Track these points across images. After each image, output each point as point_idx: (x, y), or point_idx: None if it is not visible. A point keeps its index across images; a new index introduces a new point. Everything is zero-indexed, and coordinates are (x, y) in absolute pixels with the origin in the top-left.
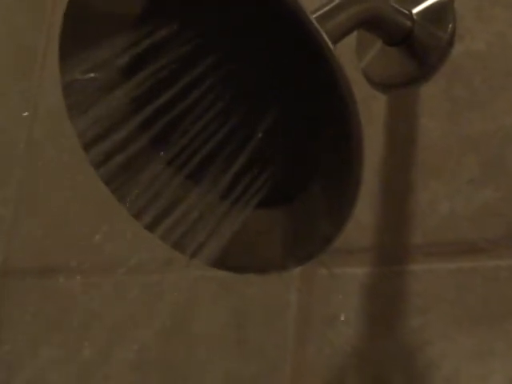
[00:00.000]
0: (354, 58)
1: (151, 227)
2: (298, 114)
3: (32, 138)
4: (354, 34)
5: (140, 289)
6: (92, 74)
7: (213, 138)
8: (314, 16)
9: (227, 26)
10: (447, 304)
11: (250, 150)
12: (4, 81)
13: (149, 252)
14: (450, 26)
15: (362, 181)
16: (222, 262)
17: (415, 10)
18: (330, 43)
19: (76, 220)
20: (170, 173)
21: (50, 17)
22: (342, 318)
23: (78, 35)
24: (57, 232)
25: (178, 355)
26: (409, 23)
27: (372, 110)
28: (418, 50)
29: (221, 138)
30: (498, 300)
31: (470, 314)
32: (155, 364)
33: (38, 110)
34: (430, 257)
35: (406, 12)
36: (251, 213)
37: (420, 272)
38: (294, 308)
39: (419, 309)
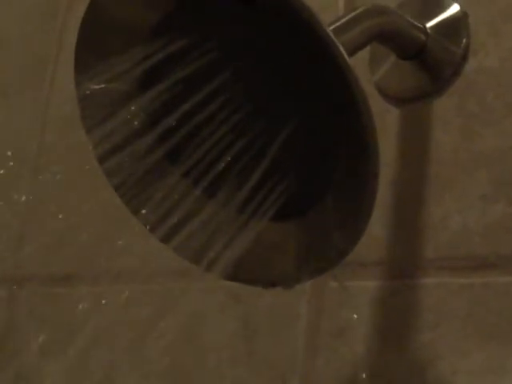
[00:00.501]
0: (367, 72)
1: (166, 239)
2: (313, 128)
3: (43, 144)
4: (368, 47)
5: (150, 299)
6: (108, 86)
7: (229, 150)
8: (329, 29)
9: (243, 38)
10: (459, 319)
11: (266, 163)
12: (16, 87)
13: (160, 262)
14: (464, 40)
15: (376, 195)
16: (235, 275)
17: (429, 25)
18: (347, 57)
19: (87, 229)
20: (186, 186)
21: (61, 25)
22: (352, 331)
23: (93, 47)
24: (68, 240)
25: (187, 366)
26: (423, 37)
27: (385, 124)
28: (432, 65)
29: (237, 151)
30: (509, 315)
31: (482, 329)
32: (164, 374)
33: (49, 116)
34: (441, 271)
35: (420, 26)
36: (265, 226)
37: (431, 286)
38: (303, 320)
39: (430, 323)
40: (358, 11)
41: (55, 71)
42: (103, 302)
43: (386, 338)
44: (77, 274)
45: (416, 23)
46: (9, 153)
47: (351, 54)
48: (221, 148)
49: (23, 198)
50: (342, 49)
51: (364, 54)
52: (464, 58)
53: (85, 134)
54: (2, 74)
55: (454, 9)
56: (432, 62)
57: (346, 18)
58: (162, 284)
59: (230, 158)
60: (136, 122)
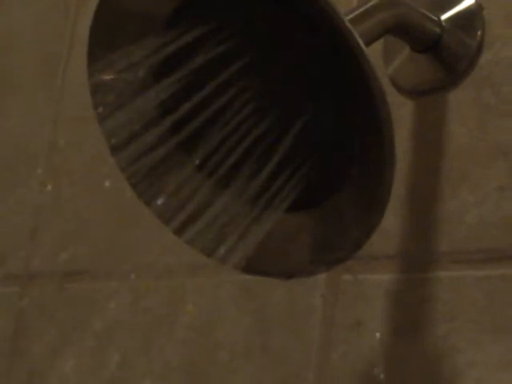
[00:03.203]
0: (380, 64)
1: (179, 232)
2: (329, 118)
3: (55, 142)
4: (381, 39)
5: (164, 294)
6: (121, 76)
7: (243, 141)
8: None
9: (259, 27)
10: (474, 311)
11: (281, 153)
12: (27, 86)
13: (173, 257)
14: (479, 32)
15: (392, 185)
16: (250, 267)
17: (444, 17)
18: (364, 46)
19: (99, 224)
20: (200, 177)
21: (72, 24)
22: (367, 325)
23: (107, 36)
24: (80, 237)
25: (201, 360)
26: (437, 30)
27: (400, 117)
28: (447, 57)
29: (251, 141)
30: None
31: (498, 321)
32: (178, 369)
33: (61, 114)
34: (457, 264)
35: (435, 18)
36: (280, 217)
37: (447, 279)
38: (318, 314)
39: (446, 316)
40: (372, 3)
41: (66, 70)
42: (116, 297)
43: (401, 331)
44: (89, 270)
45: (431, 15)
46: (21, 149)
47: (366, 45)
48: (235, 138)
49: (35, 195)
50: (359, 39)
51: (377, 46)
52: (479, 50)
53: (96, 131)
54: (14, 72)
55: (469, 1)
56: (447, 55)
57: (361, 10)
58: (175, 279)
59: (244, 149)
60: (149, 112)
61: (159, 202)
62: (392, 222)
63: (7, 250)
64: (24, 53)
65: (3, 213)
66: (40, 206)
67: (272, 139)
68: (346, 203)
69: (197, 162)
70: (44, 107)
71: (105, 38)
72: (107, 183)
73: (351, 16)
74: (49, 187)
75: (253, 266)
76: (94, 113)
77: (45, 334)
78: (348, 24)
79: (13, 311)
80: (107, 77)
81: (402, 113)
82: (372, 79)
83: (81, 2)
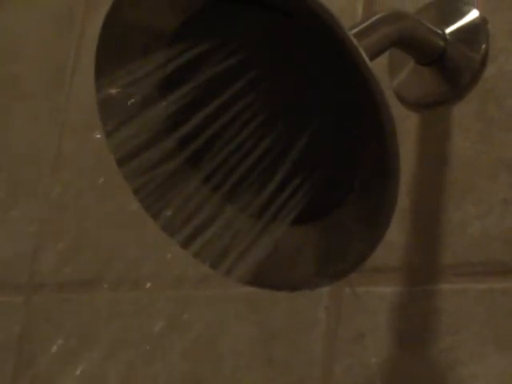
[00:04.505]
0: (385, 77)
1: (185, 244)
2: (334, 132)
3: (60, 152)
4: (386, 52)
5: (168, 305)
6: (128, 90)
7: (250, 155)
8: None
9: (265, 41)
10: (478, 324)
11: (287, 167)
12: (33, 95)
13: (178, 269)
14: (483, 46)
15: (397, 199)
16: (255, 280)
17: (448, 30)
18: (368, 61)
19: (105, 235)
20: (206, 190)
21: (79, 32)
22: (370, 337)
23: (114, 51)
24: (85, 247)
25: (205, 372)
26: (442, 43)
27: (404, 130)
28: (451, 70)
29: (258, 155)
30: None
31: (501, 334)
32: (183, 380)
33: (67, 123)
34: (460, 277)
35: (439, 32)
36: (285, 230)
37: (450, 292)
38: (321, 326)
39: (449, 329)
40: (377, 17)
41: (73, 78)
42: (121, 308)
43: (405, 344)
44: (94, 281)
45: (435, 29)
46: (26, 159)
47: (371, 59)
48: (241, 152)
49: (40, 204)
50: (363, 53)
51: (382, 59)
52: (483, 63)
53: (102, 140)
54: (20, 80)
55: (473, 15)
56: (451, 68)
57: (366, 24)
58: (180, 291)
59: (250, 162)
60: (156, 127)
61: (166, 215)
62: (395, 234)
63: (12, 260)
64: (28, 59)
65: (8, 222)
66: (45, 216)
67: (278, 153)
68: (350, 216)
69: (204, 175)
70: (49, 115)
71: (112, 53)
72: (113, 193)
73: (356, 30)
74: (54, 197)
75: (258, 279)
76: (100, 125)
77: (49, 344)
78: (353, 39)
79: (18, 321)
80: (114, 91)
81: (406, 126)
82: (378, 95)
83: (88, 8)
